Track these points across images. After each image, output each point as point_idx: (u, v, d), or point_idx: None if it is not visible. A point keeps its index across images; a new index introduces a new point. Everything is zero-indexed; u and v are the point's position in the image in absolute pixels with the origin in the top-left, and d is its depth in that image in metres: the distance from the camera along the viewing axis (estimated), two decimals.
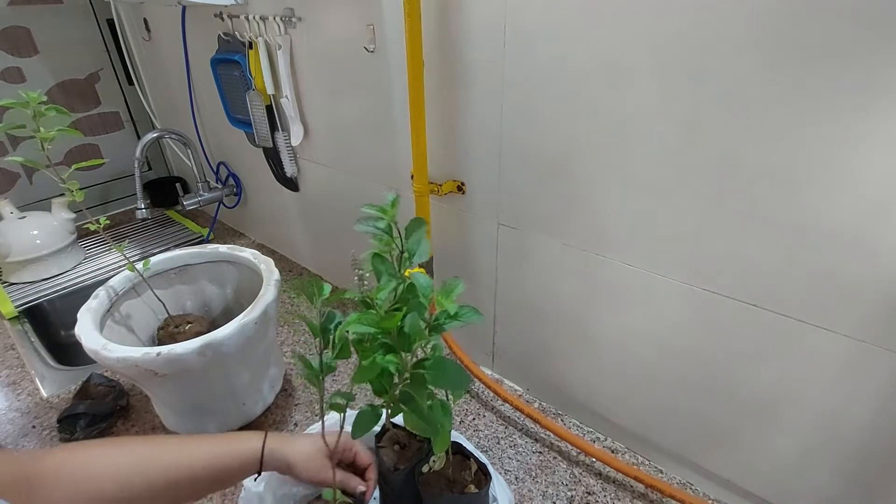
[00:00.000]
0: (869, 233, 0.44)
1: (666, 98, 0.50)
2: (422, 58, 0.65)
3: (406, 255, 0.50)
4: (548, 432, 0.76)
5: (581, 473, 0.71)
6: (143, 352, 0.62)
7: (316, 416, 0.81)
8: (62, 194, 1.19)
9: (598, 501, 0.67)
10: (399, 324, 0.44)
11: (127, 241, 1.37)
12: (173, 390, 0.70)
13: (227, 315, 0.89)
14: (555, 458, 0.73)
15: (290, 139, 0.97)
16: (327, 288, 0.46)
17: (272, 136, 0.99)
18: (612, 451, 0.74)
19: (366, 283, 0.44)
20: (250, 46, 0.89)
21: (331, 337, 0.48)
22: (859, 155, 0.42)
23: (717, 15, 0.45)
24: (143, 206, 1.19)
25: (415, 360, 0.47)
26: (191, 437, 0.54)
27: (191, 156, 1.25)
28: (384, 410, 0.49)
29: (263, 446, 0.53)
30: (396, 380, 0.47)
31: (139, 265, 0.79)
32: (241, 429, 0.78)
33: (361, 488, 0.55)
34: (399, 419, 0.50)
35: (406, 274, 0.47)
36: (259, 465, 0.53)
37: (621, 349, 0.68)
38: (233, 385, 0.72)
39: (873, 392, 0.49)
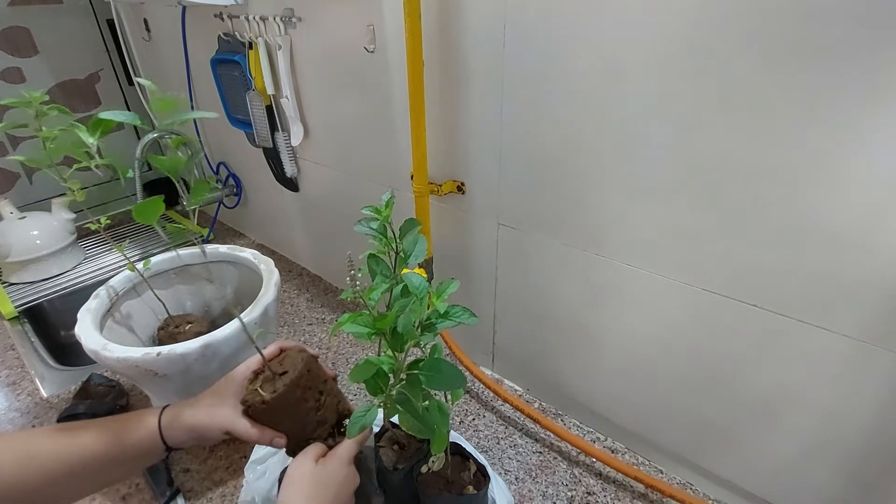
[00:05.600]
0: (869, 233, 0.44)
1: (666, 98, 0.50)
2: (422, 58, 0.65)
3: (402, 255, 0.50)
4: (548, 432, 0.76)
5: (581, 473, 0.71)
6: (143, 352, 0.62)
7: None
8: (62, 194, 1.20)
9: (598, 502, 0.67)
10: (392, 324, 0.44)
11: (127, 241, 1.37)
12: (173, 390, 0.70)
13: (227, 315, 0.89)
14: (555, 458, 0.73)
15: (290, 139, 0.97)
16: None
17: (272, 136, 0.99)
18: (613, 452, 0.74)
19: (359, 283, 0.44)
20: (250, 46, 0.89)
21: None
22: (859, 155, 0.42)
23: (718, 15, 0.45)
24: None
25: (411, 360, 0.47)
26: (88, 421, 0.51)
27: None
28: (380, 411, 0.49)
29: (160, 418, 0.50)
30: (392, 380, 0.47)
31: (139, 265, 0.79)
32: None
33: (279, 441, 0.51)
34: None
35: (404, 273, 0.47)
36: (162, 440, 0.49)
37: (621, 349, 0.68)
38: None
39: (873, 392, 0.49)
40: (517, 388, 0.86)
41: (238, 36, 0.92)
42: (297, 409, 0.51)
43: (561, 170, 0.62)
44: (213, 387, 0.53)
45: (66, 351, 1.03)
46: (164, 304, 0.83)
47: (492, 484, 0.55)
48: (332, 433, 0.54)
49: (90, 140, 0.46)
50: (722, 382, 0.59)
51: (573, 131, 0.59)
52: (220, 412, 0.51)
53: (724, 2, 0.44)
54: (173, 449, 0.51)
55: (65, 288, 1.17)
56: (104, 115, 0.38)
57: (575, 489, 0.69)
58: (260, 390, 0.50)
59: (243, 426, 0.50)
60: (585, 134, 0.58)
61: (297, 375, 0.50)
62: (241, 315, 0.68)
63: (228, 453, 0.75)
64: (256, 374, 0.54)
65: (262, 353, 0.52)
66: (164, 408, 0.52)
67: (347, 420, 0.54)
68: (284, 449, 0.52)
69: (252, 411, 0.51)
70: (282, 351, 0.55)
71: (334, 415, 0.55)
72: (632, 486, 0.69)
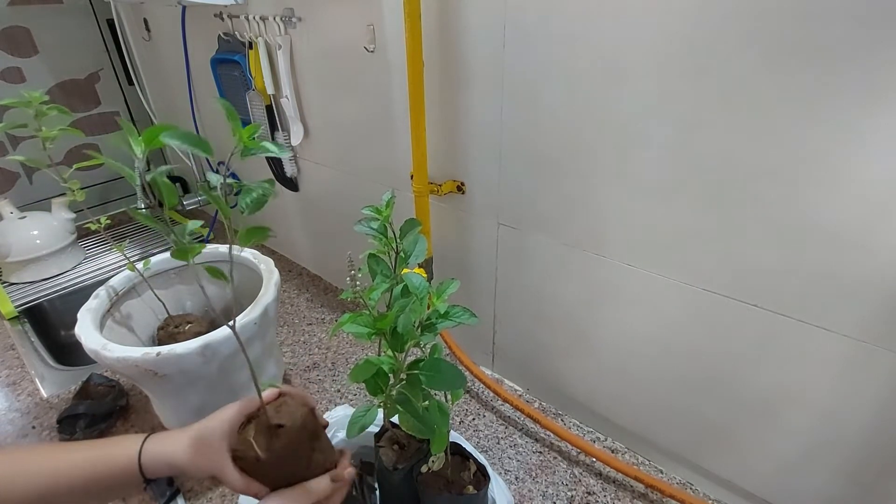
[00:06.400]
0: (869, 233, 0.44)
1: (666, 98, 0.50)
2: (422, 58, 0.65)
3: (402, 255, 0.50)
4: (548, 432, 0.76)
5: (581, 473, 0.71)
6: (143, 352, 0.62)
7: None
8: (62, 194, 1.20)
9: (598, 501, 0.67)
10: (392, 324, 0.44)
11: (127, 240, 1.37)
12: (173, 390, 0.70)
13: (228, 315, 0.89)
14: (555, 458, 0.73)
15: (290, 139, 0.97)
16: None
17: (272, 136, 0.99)
18: (613, 451, 0.74)
19: (359, 283, 0.44)
20: (250, 46, 0.89)
21: None
22: (859, 155, 0.42)
23: (718, 15, 0.45)
24: (143, 207, 1.19)
25: (411, 360, 0.47)
26: (66, 443, 0.48)
27: (190, 156, 1.25)
28: (380, 411, 0.49)
29: (141, 449, 0.46)
30: (392, 380, 0.47)
31: (139, 265, 0.79)
32: None
33: (263, 495, 0.46)
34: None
35: (404, 273, 0.47)
36: (140, 472, 0.46)
37: (621, 349, 0.68)
38: (232, 385, 0.72)
39: (873, 392, 0.49)
40: (517, 387, 0.86)
41: (238, 36, 0.92)
42: (289, 467, 0.48)
43: (561, 170, 0.62)
44: (205, 423, 0.48)
45: (66, 351, 1.03)
46: (163, 304, 0.82)
47: (492, 484, 0.55)
48: None
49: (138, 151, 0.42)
50: (722, 382, 0.59)
51: (573, 131, 0.59)
52: (208, 456, 0.47)
53: (724, 2, 0.44)
54: (151, 480, 0.47)
55: (65, 288, 1.17)
56: (167, 137, 0.33)
57: (575, 489, 0.69)
58: (254, 443, 0.47)
59: (231, 475, 0.46)
60: (585, 134, 0.58)
61: (297, 434, 0.47)
62: (240, 316, 0.68)
63: None
64: (250, 419, 0.50)
65: (261, 399, 0.49)
66: (148, 436, 0.48)
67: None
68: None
69: (244, 464, 0.47)
70: (280, 395, 0.52)
71: (322, 469, 0.51)
72: (632, 486, 0.69)
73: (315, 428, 0.51)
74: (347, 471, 0.49)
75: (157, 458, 0.46)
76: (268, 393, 0.51)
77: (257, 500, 0.48)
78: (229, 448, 0.47)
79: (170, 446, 0.47)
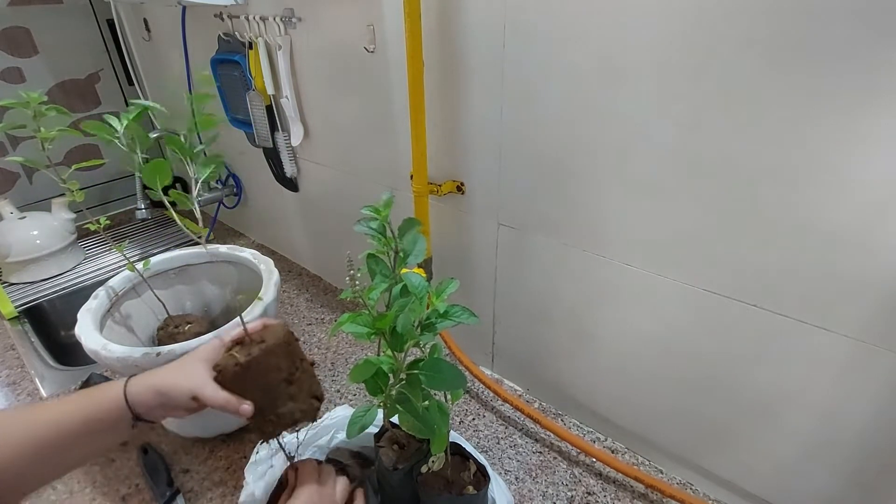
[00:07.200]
0: (869, 233, 0.44)
1: (666, 98, 0.50)
2: (422, 58, 0.65)
3: (401, 255, 0.50)
4: (548, 432, 0.76)
5: (581, 473, 0.71)
6: (142, 352, 0.62)
7: None
8: (62, 194, 1.20)
9: (598, 502, 0.67)
10: (392, 324, 0.44)
11: (127, 241, 1.37)
12: None
13: (227, 315, 0.89)
14: (555, 458, 0.73)
15: (290, 139, 0.97)
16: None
17: (272, 136, 0.99)
18: (613, 452, 0.74)
19: (358, 283, 0.44)
20: (250, 47, 0.89)
21: None
22: (859, 155, 0.42)
23: (718, 15, 0.45)
24: (143, 207, 1.19)
25: (411, 360, 0.47)
26: (55, 399, 0.50)
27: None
28: (380, 411, 0.49)
29: (126, 383, 0.49)
30: (392, 380, 0.47)
31: (139, 265, 0.79)
32: (240, 429, 0.79)
33: (246, 408, 0.48)
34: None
35: (403, 272, 0.47)
36: (127, 405, 0.48)
37: (621, 349, 0.68)
38: None
39: (873, 392, 0.49)
40: (517, 387, 0.86)
41: (238, 36, 0.92)
42: (269, 376, 0.49)
43: (561, 170, 0.62)
44: (188, 353, 0.52)
45: (66, 351, 1.03)
46: (163, 305, 0.82)
47: (492, 484, 0.55)
48: (303, 414, 0.53)
49: (118, 126, 0.51)
50: (722, 382, 0.59)
51: (573, 131, 0.59)
52: (188, 374, 0.49)
53: (724, 2, 0.44)
54: (141, 419, 0.49)
55: (65, 288, 1.17)
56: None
57: (575, 489, 0.69)
58: (235, 354, 0.50)
59: (212, 390, 0.48)
60: (585, 134, 0.58)
61: (275, 343, 0.50)
62: (240, 316, 0.68)
63: (228, 454, 0.75)
64: (235, 342, 0.53)
65: (244, 324, 0.52)
66: (131, 376, 0.50)
67: (318, 402, 0.54)
68: (248, 420, 0.50)
69: (224, 376, 0.49)
70: (265, 327, 0.55)
71: (306, 394, 0.53)
72: (632, 486, 0.69)
73: (297, 350, 0.53)
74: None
75: (142, 387, 0.49)
76: (253, 325, 0.55)
77: (261, 488, 0.50)
78: (210, 369, 0.50)
79: (153, 375, 0.50)
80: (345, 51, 0.78)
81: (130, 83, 1.44)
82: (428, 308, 0.45)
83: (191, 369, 0.50)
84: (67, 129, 0.67)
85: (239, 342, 0.53)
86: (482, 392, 0.85)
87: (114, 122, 0.49)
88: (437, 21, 0.64)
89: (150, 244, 1.36)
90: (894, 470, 0.51)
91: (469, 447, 0.59)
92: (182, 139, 0.49)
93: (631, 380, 0.69)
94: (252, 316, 0.68)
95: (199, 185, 0.49)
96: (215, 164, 0.49)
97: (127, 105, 1.47)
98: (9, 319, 1.07)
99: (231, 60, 0.95)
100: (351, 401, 0.85)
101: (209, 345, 0.53)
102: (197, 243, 0.67)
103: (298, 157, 1.02)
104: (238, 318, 0.53)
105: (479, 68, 0.63)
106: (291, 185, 1.08)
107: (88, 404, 0.48)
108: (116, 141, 0.49)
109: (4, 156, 1.30)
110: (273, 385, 0.50)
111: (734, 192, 0.50)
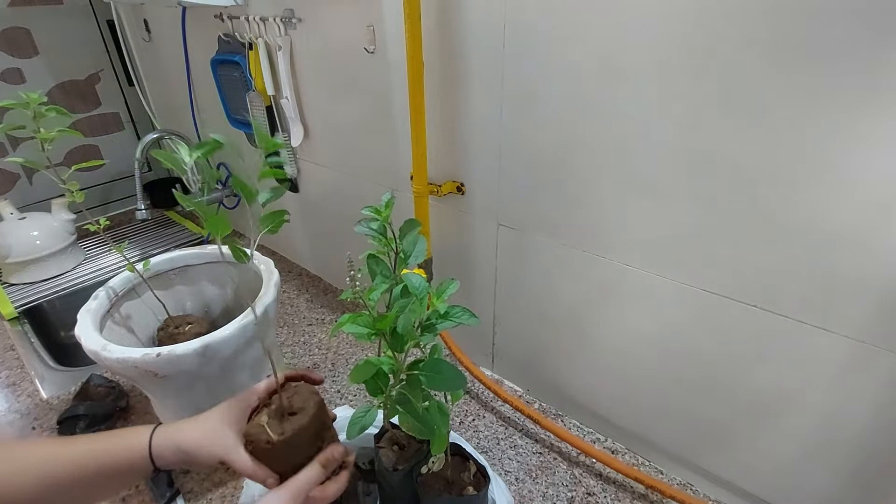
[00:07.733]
0: (869, 233, 0.44)
1: (666, 98, 0.50)
2: (422, 58, 0.65)
3: (401, 255, 0.50)
4: (548, 433, 0.76)
5: (581, 474, 0.71)
6: (142, 353, 0.62)
7: None
8: (62, 195, 1.20)
9: (598, 502, 0.67)
10: (392, 325, 0.44)
11: (127, 241, 1.37)
12: (173, 391, 0.70)
13: (227, 316, 0.89)
14: (555, 458, 0.73)
15: (290, 140, 0.97)
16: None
17: (272, 136, 0.99)
18: (613, 452, 0.74)
19: (358, 283, 0.44)
20: (250, 47, 0.89)
21: None
22: (859, 155, 0.42)
23: (718, 14, 0.45)
24: (143, 207, 1.19)
25: (411, 361, 0.47)
26: (80, 435, 0.49)
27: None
28: (380, 411, 0.49)
29: (151, 436, 0.48)
30: (392, 380, 0.47)
31: (139, 266, 0.79)
32: None
33: (271, 482, 0.47)
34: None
35: (403, 273, 0.47)
36: (150, 457, 0.47)
37: (621, 350, 0.68)
38: (232, 386, 0.72)
39: (873, 392, 0.49)
40: (517, 388, 0.86)
41: (238, 36, 0.92)
42: (299, 452, 0.49)
43: (561, 170, 0.62)
44: (215, 409, 0.50)
45: (65, 352, 1.03)
46: (163, 305, 0.82)
47: (492, 484, 0.55)
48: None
49: (188, 159, 0.46)
50: (722, 383, 0.59)
51: (573, 131, 0.59)
52: (216, 439, 0.48)
53: (724, 2, 0.44)
54: (160, 470, 0.49)
55: (65, 288, 1.17)
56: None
57: (575, 490, 0.69)
58: (267, 428, 0.48)
59: (242, 460, 0.48)
60: (585, 134, 0.58)
61: (309, 421, 0.48)
62: (240, 317, 0.68)
63: None
64: (263, 405, 0.52)
65: (278, 384, 0.50)
66: (158, 424, 0.50)
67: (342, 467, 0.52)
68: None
69: (254, 448, 0.48)
70: (287, 380, 0.53)
71: None
72: (632, 487, 0.69)
73: (325, 417, 0.52)
74: (338, 449, 0.50)
75: (168, 444, 0.48)
76: (271, 381, 0.53)
77: (261, 487, 0.49)
78: (238, 433, 0.49)
79: (179, 433, 0.48)
80: (345, 52, 0.78)
81: (130, 84, 1.44)
82: (428, 309, 0.45)
83: (220, 434, 0.48)
84: (67, 130, 0.67)
85: (267, 404, 0.52)
86: (482, 393, 0.85)
87: (183, 150, 0.44)
88: (437, 21, 0.64)
89: (150, 245, 1.36)
90: (894, 470, 0.51)
91: (469, 448, 0.59)
92: (246, 184, 0.43)
93: (631, 380, 0.69)
94: (250, 318, 0.68)
95: (257, 240, 0.45)
96: (274, 222, 0.46)
97: (127, 105, 1.48)
98: (9, 320, 1.07)
99: (231, 61, 0.95)
100: (351, 401, 0.85)
101: (237, 406, 0.51)
102: (200, 243, 0.67)
103: (298, 157, 1.02)
104: (272, 376, 0.50)
105: (478, 68, 0.63)
106: (291, 185, 1.08)
107: (109, 449, 0.47)
108: (187, 172, 0.45)
109: (4, 156, 1.30)
110: (301, 461, 0.49)
111: (734, 192, 0.50)
